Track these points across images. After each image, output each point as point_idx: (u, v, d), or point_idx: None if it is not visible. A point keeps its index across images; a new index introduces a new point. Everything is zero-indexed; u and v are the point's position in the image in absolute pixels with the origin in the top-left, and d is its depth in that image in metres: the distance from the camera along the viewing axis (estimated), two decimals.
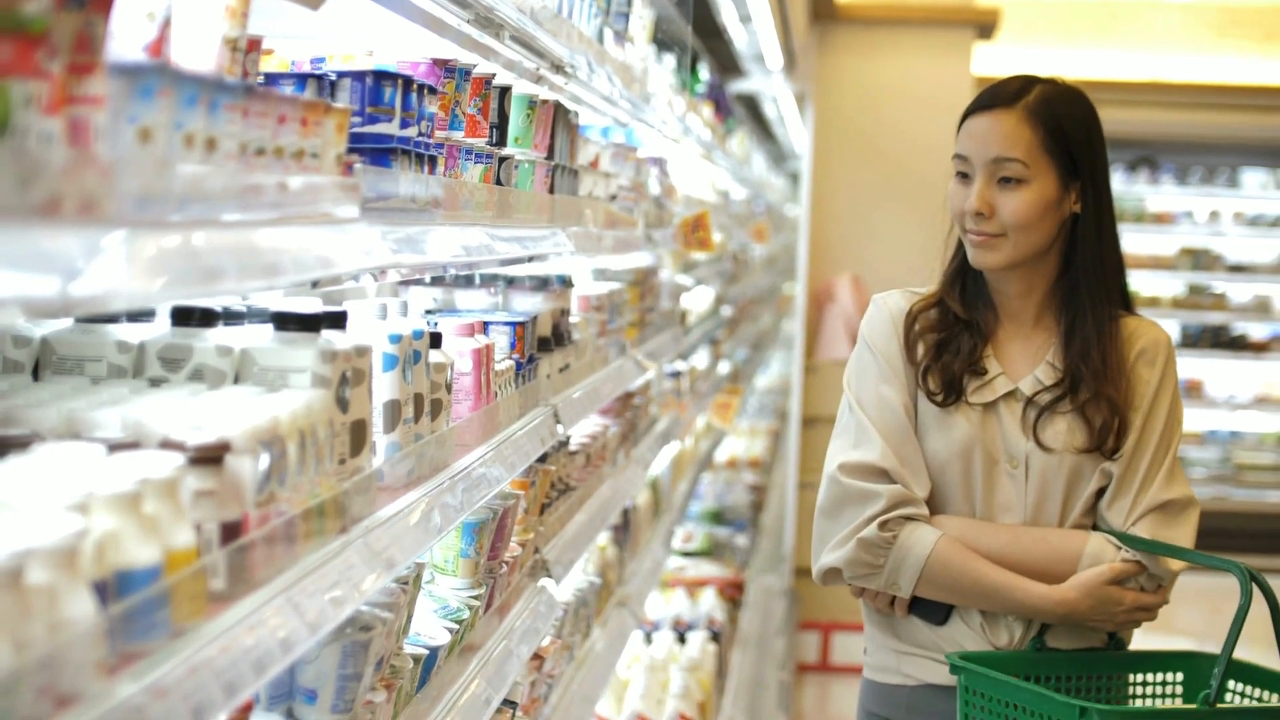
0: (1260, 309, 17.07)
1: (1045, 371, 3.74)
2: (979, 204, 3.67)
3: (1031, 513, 3.72)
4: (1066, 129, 3.67)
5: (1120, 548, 3.66)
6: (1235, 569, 3.47)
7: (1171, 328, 16.99)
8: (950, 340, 3.77)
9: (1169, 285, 17.19)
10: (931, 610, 3.75)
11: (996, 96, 3.70)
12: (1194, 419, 16.82)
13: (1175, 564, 3.67)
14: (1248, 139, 16.77)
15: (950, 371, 3.73)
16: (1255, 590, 3.45)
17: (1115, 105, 16.29)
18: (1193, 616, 12.78)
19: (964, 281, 3.83)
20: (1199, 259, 17.10)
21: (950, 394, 3.72)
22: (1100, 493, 3.73)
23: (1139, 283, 16.99)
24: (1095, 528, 3.74)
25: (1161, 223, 17.23)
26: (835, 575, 3.75)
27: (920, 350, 3.77)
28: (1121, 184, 17.16)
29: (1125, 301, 3.83)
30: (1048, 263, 3.76)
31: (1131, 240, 17.13)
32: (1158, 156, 17.34)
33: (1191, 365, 16.98)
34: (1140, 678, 3.76)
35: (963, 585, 3.67)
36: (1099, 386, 3.69)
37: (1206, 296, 17.10)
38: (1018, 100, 3.68)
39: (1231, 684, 3.52)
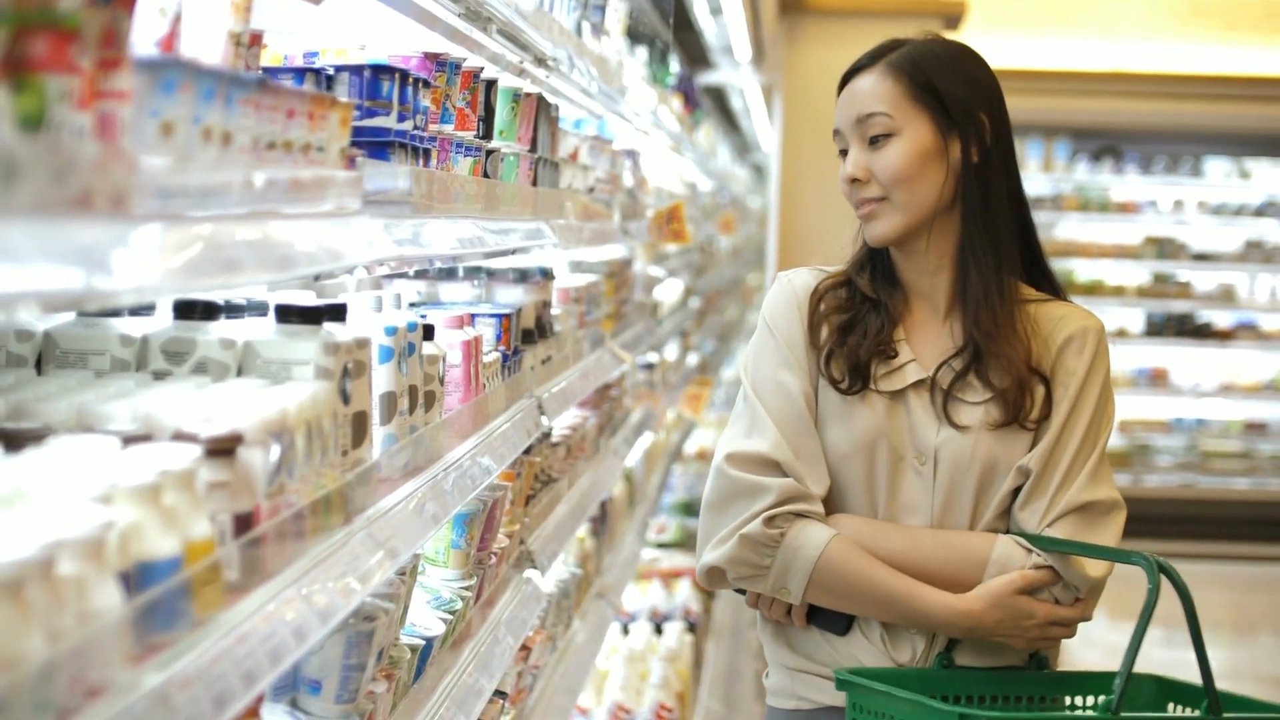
0: (1225, 297, 17.13)
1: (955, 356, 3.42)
2: (854, 169, 3.38)
3: (938, 514, 3.38)
4: (932, 76, 3.36)
5: (1030, 551, 3.32)
6: (1143, 561, 3.21)
7: (1137, 316, 17.07)
8: (857, 322, 3.43)
9: (1134, 274, 17.22)
10: (833, 620, 3.40)
11: (858, 62, 3.45)
12: (1159, 407, 16.89)
13: (1094, 572, 3.33)
14: (1211, 128, 16.83)
15: (856, 355, 3.38)
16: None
17: (1080, 95, 16.38)
18: (1159, 603, 12.72)
19: (873, 266, 3.50)
20: (1163, 248, 17.14)
21: (856, 380, 3.38)
22: (1017, 494, 3.38)
23: (1104, 272, 17.07)
24: (1009, 533, 3.38)
25: (1126, 212, 17.26)
26: (719, 575, 3.39)
27: (824, 332, 3.42)
28: (1086, 173, 17.22)
29: (1051, 283, 3.52)
30: (951, 230, 3.42)
31: (1096, 229, 17.20)
32: (1122, 146, 17.38)
33: (1157, 353, 17.04)
34: (1068, 700, 3.40)
35: (856, 591, 3.33)
36: (993, 346, 3.34)
37: (1171, 285, 17.14)
38: (879, 59, 3.41)
39: (1172, 707, 3.29)
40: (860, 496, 3.41)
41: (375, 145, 2.91)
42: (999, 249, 3.40)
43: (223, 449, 2.15)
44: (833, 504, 3.41)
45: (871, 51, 3.43)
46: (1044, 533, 3.33)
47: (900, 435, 3.38)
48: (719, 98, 13.69)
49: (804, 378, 3.40)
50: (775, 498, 3.32)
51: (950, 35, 3.56)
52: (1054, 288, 3.52)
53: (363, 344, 2.73)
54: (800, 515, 3.33)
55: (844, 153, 3.43)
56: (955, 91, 3.37)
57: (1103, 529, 3.35)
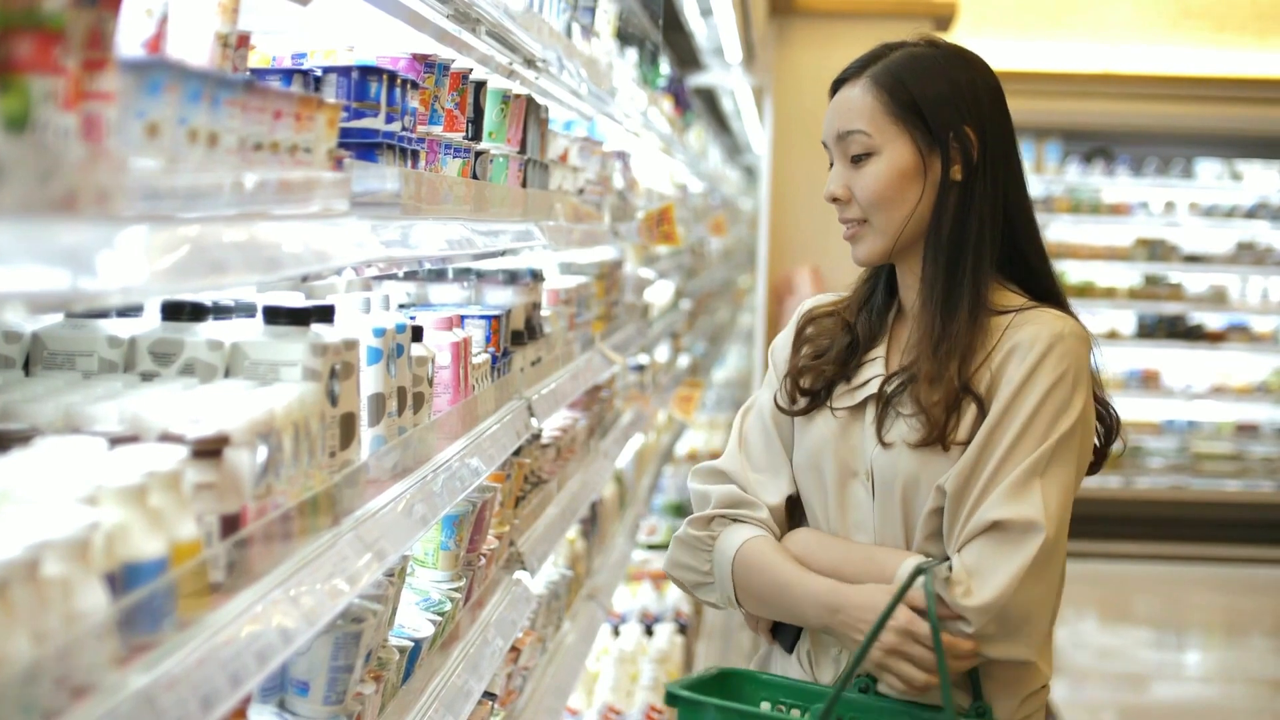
0: (1216, 299, 17.16)
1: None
2: (835, 188, 3.28)
3: (879, 532, 3.24)
4: (914, 90, 3.21)
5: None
6: (916, 565, 3.05)
7: (1128, 318, 17.10)
8: (831, 347, 3.36)
9: (1125, 276, 17.25)
10: (784, 636, 3.36)
11: (846, 70, 3.32)
12: (1151, 409, 16.92)
13: (972, 600, 3.03)
14: (1202, 130, 16.85)
15: (816, 379, 3.34)
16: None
17: (1071, 97, 16.40)
18: (1151, 605, 12.83)
19: (876, 283, 3.42)
20: (1155, 249, 17.17)
21: (814, 402, 3.34)
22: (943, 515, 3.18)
23: (1096, 273, 17.10)
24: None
25: (1117, 214, 17.28)
26: (674, 580, 3.43)
27: (801, 354, 3.40)
28: (1077, 175, 17.25)
29: (1053, 291, 3.33)
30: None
31: (1088, 231, 17.23)
32: (1113, 148, 17.41)
33: (1148, 355, 17.07)
34: None
35: (763, 589, 3.26)
36: (923, 365, 3.19)
37: (1163, 287, 17.17)
38: (865, 70, 3.27)
39: None
40: (819, 512, 3.35)
41: (363, 146, 2.91)
42: (957, 267, 3.24)
43: (209, 450, 2.16)
44: (803, 519, 3.40)
45: (859, 59, 3.31)
46: (954, 559, 3.09)
47: (854, 452, 3.28)
48: (709, 99, 13.70)
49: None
50: (713, 504, 3.36)
51: (942, 37, 3.48)
52: (1054, 295, 3.33)
53: (351, 345, 2.73)
54: (736, 520, 3.34)
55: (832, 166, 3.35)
56: (938, 106, 3.23)
57: (1013, 552, 3.05)
